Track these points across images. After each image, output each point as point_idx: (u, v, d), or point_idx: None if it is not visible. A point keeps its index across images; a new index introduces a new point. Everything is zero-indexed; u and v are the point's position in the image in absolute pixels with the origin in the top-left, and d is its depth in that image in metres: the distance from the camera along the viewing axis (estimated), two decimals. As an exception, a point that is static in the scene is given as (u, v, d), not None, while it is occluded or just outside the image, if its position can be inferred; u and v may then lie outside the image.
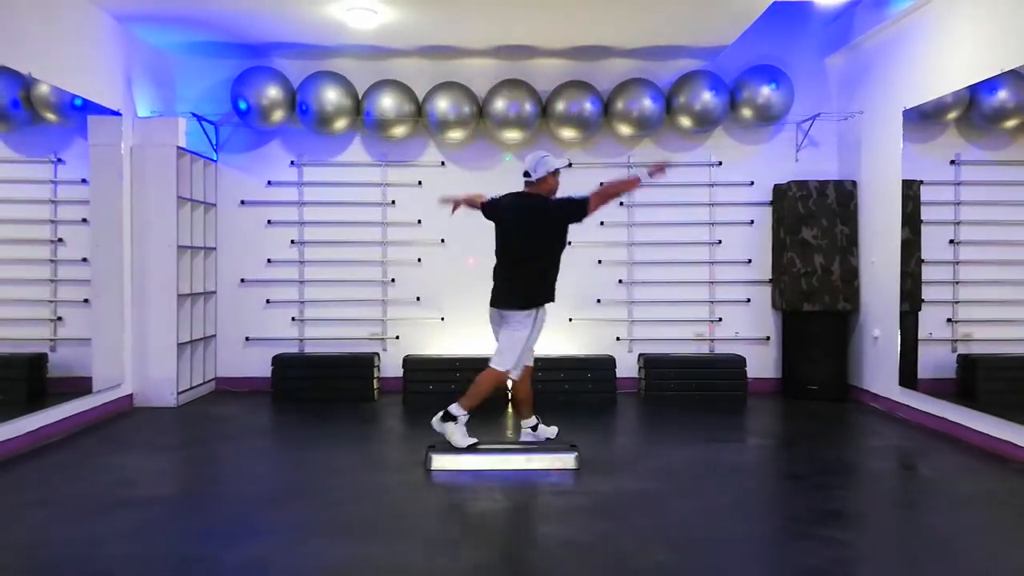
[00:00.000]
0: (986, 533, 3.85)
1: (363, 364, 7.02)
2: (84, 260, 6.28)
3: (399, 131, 7.12)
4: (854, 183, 7.00)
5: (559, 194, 5.12)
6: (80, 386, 5.98)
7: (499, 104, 6.98)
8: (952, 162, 6.02)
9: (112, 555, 3.45)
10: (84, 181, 6.26)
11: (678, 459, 5.20)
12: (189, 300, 6.90)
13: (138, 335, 6.52)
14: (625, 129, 7.12)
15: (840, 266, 6.92)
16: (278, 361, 7.01)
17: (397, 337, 7.41)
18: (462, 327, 7.35)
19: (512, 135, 7.08)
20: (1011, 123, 5.76)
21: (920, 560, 3.52)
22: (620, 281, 7.38)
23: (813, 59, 7.35)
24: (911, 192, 6.21)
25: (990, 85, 5.44)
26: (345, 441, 5.63)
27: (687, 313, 7.29)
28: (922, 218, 6.18)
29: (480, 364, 6.80)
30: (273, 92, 6.92)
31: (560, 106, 6.99)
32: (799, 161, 7.36)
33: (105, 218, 6.31)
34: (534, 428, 5.19)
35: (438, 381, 6.80)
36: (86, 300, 6.26)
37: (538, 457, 4.79)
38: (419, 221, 7.39)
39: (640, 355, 7.24)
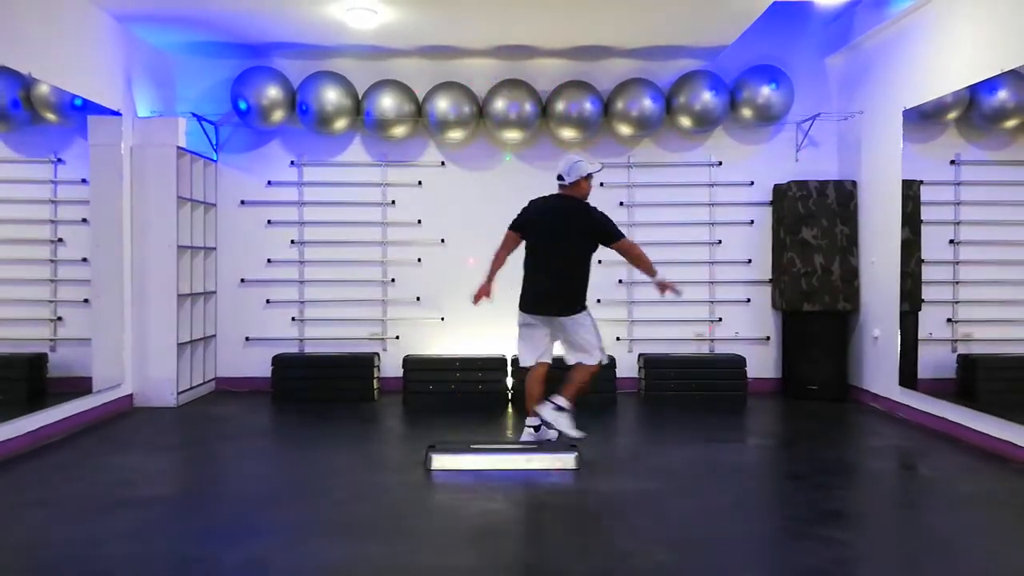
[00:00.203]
0: (986, 533, 3.84)
1: (363, 364, 7.02)
2: (84, 260, 6.28)
3: (399, 131, 7.12)
4: (854, 183, 7.00)
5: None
6: (80, 386, 5.97)
7: (499, 104, 6.98)
8: (952, 162, 6.02)
9: (112, 555, 3.45)
10: (84, 181, 6.26)
11: (678, 459, 5.20)
12: (189, 300, 6.90)
13: (138, 335, 6.52)
14: (625, 129, 7.12)
15: (840, 266, 6.92)
16: (278, 361, 7.01)
17: (397, 337, 7.41)
18: (462, 327, 7.35)
19: (512, 135, 7.08)
20: (1011, 123, 5.76)
21: (920, 560, 3.52)
22: (620, 281, 7.38)
23: (813, 59, 7.35)
24: (911, 192, 6.21)
25: (990, 85, 5.43)
26: (345, 441, 5.63)
27: (687, 313, 7.29)
28: (922, 218, 6.18)
29: (480, 364, 6.88)
30: (273, 92, 6.92)
31: (560, 106, 6.99)
32: (799, 161, 7.36)
33: (105, 218, 6.31)
34: (536, 428, 5.19)
35: (438, 381, 6.80)
36: (86, 300, 6.26)
37: (538, 457, 4.79)
38: (419, 221, 7.39)
39: (640, 355, 7.24)
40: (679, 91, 7.04)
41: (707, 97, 6.95)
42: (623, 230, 5.40)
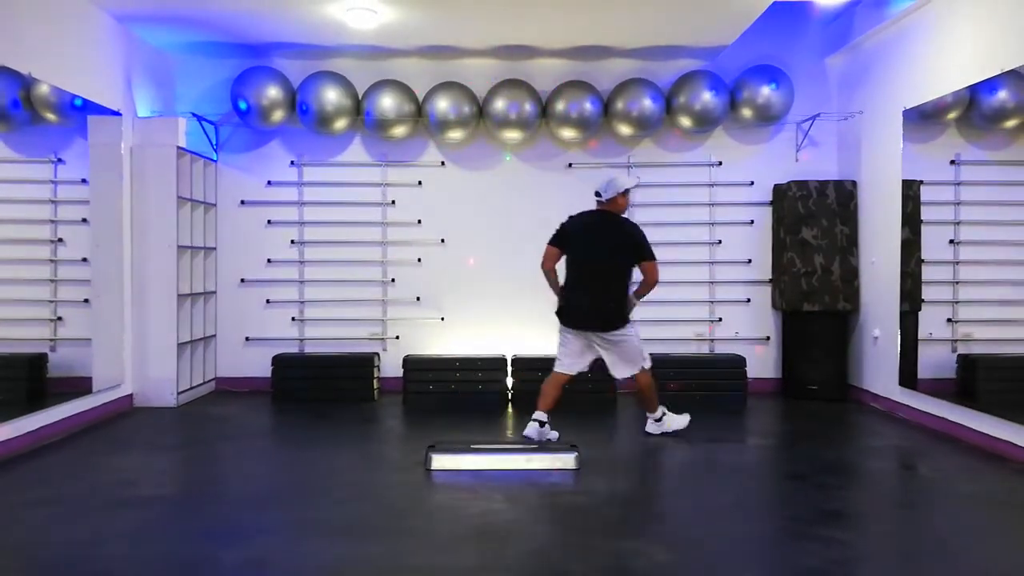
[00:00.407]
0: (986, 533, 3.84)
1: (363, 364, 7.02)
2: (84, 260, 6.28)
3: (399, 131, 7.12)
4: (854, 183, 7.00)
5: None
6: (80, 386, 5.97)
7: (499, 104, 6.98)
8: (952, 162, 6.02)
9: (112, 555, 3.45)
10: (84, 181, 6.26)
11: (678, 459, 5.20)
12: (189, 300, 6.89)
13: (138, 335, 6.52)
14: (625, 129, 7.12)
15: (840, 266, 6.92)
16: (278, 361, 7.01)
17: (397, 337, 7.41)
18: (462, 327, 7.35)
19: (512, 135, 7.08)
20: (1011, 123, 5.75)
21: (920, 560, 3.52)
22: (620, 281, 7.37)
23: (813, 59, 7.35)
24: (911, 192, 6.21)
25: (990, 85, 5.43)
26: (345, 441, 5.63)
27: (687, 313, 7.29)
28: (922, 218, 6.18)
29: (480, 364, 6.88)
30: (273, 92, 6.92)
31: (560, 106, 6.99)
32: (799, 161, 7.36)
33: (105, 218, 6.31)
34: (542, 424, 5.25)
35: (438, 381, 6.80)
36: (86, 300, 6.26)
37: (538, 457, 4.78)
38: (419, 221, 7.39)
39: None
40: (679, 91, 7.04)
41: (707, 97, 6.95)
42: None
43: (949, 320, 6.07)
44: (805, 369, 6.98)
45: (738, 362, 6.92)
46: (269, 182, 7.38)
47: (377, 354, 7.19)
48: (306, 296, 7.40)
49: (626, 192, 5.40)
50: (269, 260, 7.38)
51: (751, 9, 6.02)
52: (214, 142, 7.31)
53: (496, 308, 7.35)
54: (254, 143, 7.38)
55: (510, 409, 6.70)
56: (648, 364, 5.47)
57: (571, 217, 5.58)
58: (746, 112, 7.07)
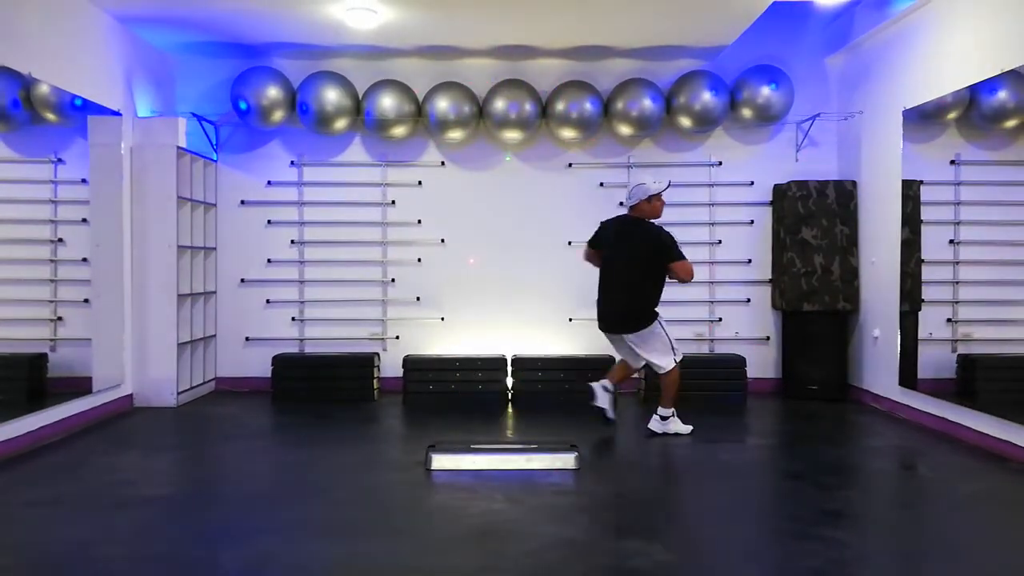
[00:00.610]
0: (986, 533, 3.84)
1: (363, 364, 7.01)
2: (84, 260, 6.28)
3: (399, 131, 7.12)
4: (854, 183, 7.00)
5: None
6: (80, 386, 5.97)
7: (499, 104, 6.98)
8: (952, 162, 6.02)
9: (112, 555, 3.44)
10: (84, 181, 6.26)
11: (678, 459, 5.20)
12: (189, 300, 6.89)
13: (138, 335, 6.52)
14: (625, 129, 7.12)
15: (840, 266, 6.92)
16: (278, 361, 7.01)
17: (397, 337, 7.41)
18: (462, 327, 7.36)
19: (512, 135, 7.08)
20: (1011, 123, 5.75)
21: (920, 560, 3.52)
22: (620, 281, 7.37)
23: (813, 59, 7.34)
24: (911, 192, 6.21)
25: (990, 85, 5.43)
26: (345, 441, 5.63)
27: (687, 313, 7.28)
28: (922, 218, 6.18)
29: (480, 364, 6.89)
30: (273, 92, 6.92)
31: (560, 106, 6.99)
32: (799, 161, 7.36)
33: (105, 218, 6.31)
34: (606, 389, 5.67)
35: (438, 381, 6.81)
36: (86, 300, 6.26)
37: (538, 457, 4.78)
38: (419, 221, 7.39)
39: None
40: (679, 91, 7.04)
41: (707, 97, 6.95)
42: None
43: (949, 320, 6.07)
44: (805, 369, 6.98)
45: (738, 362, 6.92)
46: (269, 182, 7.38)
47: (377, 354, 7.19)
48: (306, 296, 7.40)
49: (651, 197, 5.54)
50: (269, 260, 7.38)
51: (751, 9, 6.02)
52: (214, 142, 7.31)
53: (496, 308, 7.36)
54: (254, 143, 7.38)
55: (510, 409, 6.69)
56: (679, 357, 5.58)
57: (603, 222, 5.90)
58: (746, 112, 7.07)
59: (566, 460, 4.75)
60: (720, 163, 7.38)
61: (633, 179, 7.13)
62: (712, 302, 7.40)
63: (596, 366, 6.83)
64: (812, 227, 6.96)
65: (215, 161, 7.32)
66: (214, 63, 7.21)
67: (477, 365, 6.89)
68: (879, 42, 6.61)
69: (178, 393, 6.59)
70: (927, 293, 6.15)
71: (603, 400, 5.67)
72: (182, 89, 7.29)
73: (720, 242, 7.39)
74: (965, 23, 5.51)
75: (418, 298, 7.41)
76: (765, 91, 6.96)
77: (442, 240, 7.41)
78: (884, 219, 6.48)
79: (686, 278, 5.51)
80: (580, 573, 3.27)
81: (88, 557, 3.42)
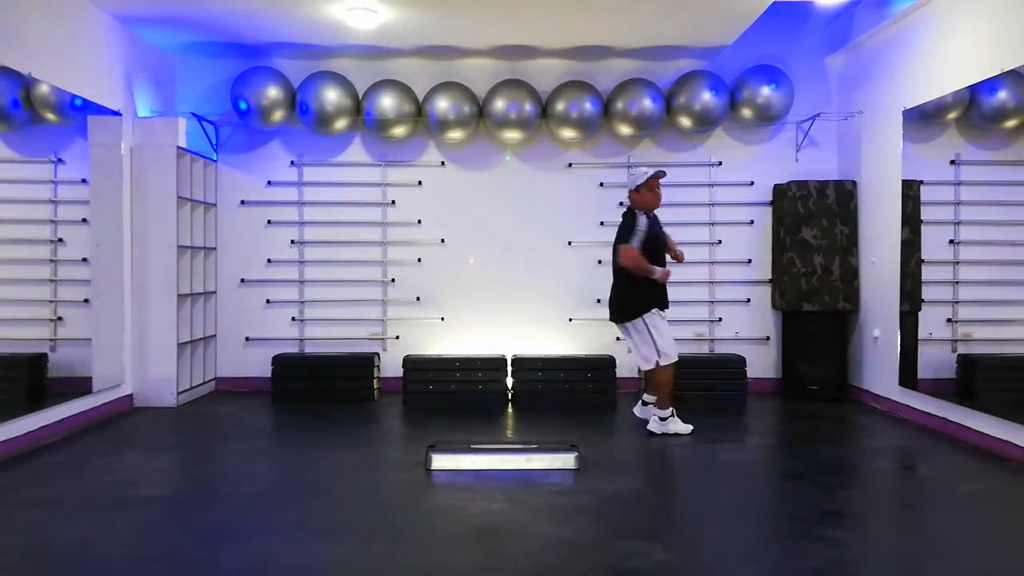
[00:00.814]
0: (986, 533, 3.84)
1: (363, 364, 7.01)
2: (84, 260, 6.27)
3: (399, 131, 7.12)
4: (854, 183, 7.00)
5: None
6: (80, 386, 5.97)
7: (499, 104, 6.98)
8: (952, 162, 6.01)
9: (112, 555, 3.44)
10: (84, 181, 6.26)
11: (678, 459, 5.20)
12: (189, 300, 6.89)
13: (138, 335, 6.52)
14: (625, 129, 7.12)
15: (840, 266, 6.92)
16: (278, 361, 7.01)
17: (397, 337, 7.41)
18: (462, 327, 7.36)
19: (512, 135, 7.08)
20: (1011, 123, 5.74)
21: (920, 561, 3.52)
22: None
23: (813, 59, 7.34)
24: (911, 192, 6.21)
25: (990, 85, 5.42)
26: (345, 441, 5.63)
27: (687, 313, 7.27)
28: (922, 218, 6.17)
29: (480, 364, 6.89)
30: (273, 92, 6.92)
31: (560, 106, 6.99)
32: (799, 161, 7.36)
33: (105, 218, 6.31)
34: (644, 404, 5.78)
35: (438, 381, 6.81)
36: (86, 300, 6.26)
37: (538, 457, 4.78)
38: (419, 221, 7.39)
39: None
40: (679, 91, 7.04)
41: (707, 97, 6.94)
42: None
43: (949, 320, 6.07)
44: (805, 369, 6.98)
45: (738, 362, 6.92)
46: (269, 182, 7.38)
47: (377, 354, 7.18)
48: (306, 296, 7.40)
49: (638, 187, 5.60)
50: (269, 260, 7.38)
51: (751, 9, 6.02)
52: (214, 142, 7.31)
53: (496, 308, 7.36)
54: (254, 143, 7.38)
55: (510, 409, 6.69)
56: (665, 361, 5.54)
57: None
58: (746, 112, 7.07)
59: (566, 460, 4.75)
60: (720, 163, 7.38)
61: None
62: (712, 302, 7.40)
63: (596, 366, 6.86)
64: (812, 227, 6.96)
65: (215, 161, 7.32)
66: (214, 63, 7.21)
67: (477, 365, 6.88)
68: (879, 42, 6.60)
69: (178, 393, 6.59)
70: (927, 293, 6.14)
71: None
72: (182, 89, 7.29)
73: (720, 242, 7.39)
74: (965, 23, 5.51)
75: (418, 298, 7.41)
76: (765, 91, 6.96)
77: (442, 240, 7.40)
78: (884, 219, 6.48)
79: (625, 263, 5.46)
80: (580, 573, 3.27)
81: (88, 557, 3.42)
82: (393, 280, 7.42)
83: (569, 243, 7.19)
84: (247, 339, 7.38)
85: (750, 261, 7.39)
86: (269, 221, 7.37)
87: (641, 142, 7.35)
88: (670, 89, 7.12)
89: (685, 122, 7.09)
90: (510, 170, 7.42)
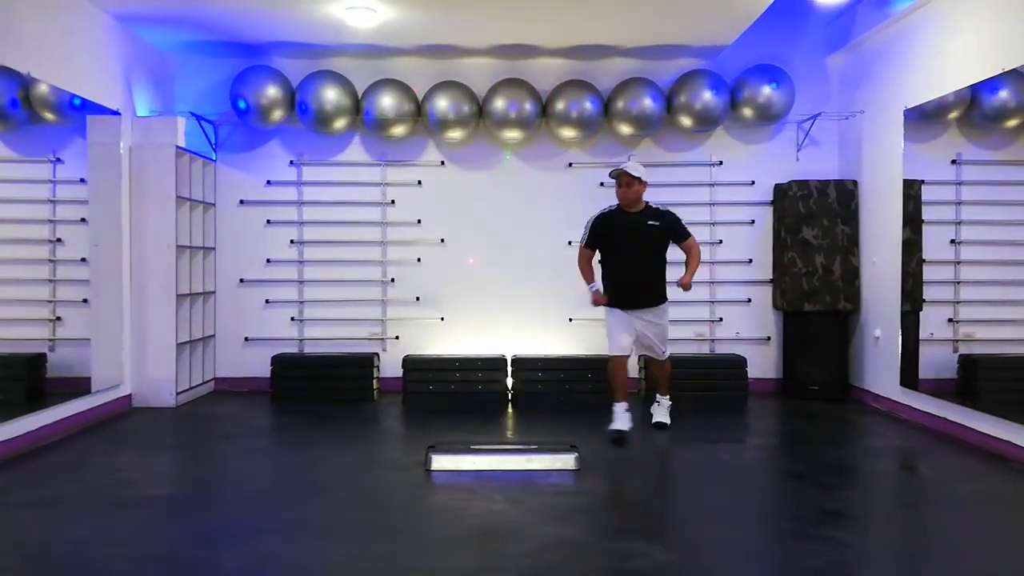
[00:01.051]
0: (987, 534, 3.83)
1: (363, 364, 7.00)
2: (83, 260, 6.26)
3: (399, 130, 7.11)
4: (855, 183, 6.98)
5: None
6: (79, 386, 5.95)
7: (499, 103, 6.96)
8: (953, 162, 6.00)
9: (111, 555, 3.44)
10: (83, 181, 6.25)
11: (678, 460, 5.19)
12: (188, 300, 6.88)
13: (137, 335, 6.50)
14: (625, 128, 7.11)
15: (841, 266, 6.91)
16: (277, 361, 6.99)
17: (397, 337, 7.40)
18: (462, 327, 7.34)
19: (512, 134, 7.07)
20: (1012, 123, 5.74)
21: (921, 561, 3.51)
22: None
23: (814, 58, 7.33)
24: (912, 192, 6.19)
25: (992, 84, 5.41)
26: (345, 441, 5.62)
27: (687, 313, 7.26)
28: (923, 218, 6.16)
29: (480, 364, 6.88)
30: (272, 91, 6.90)
31: (560, 105, 6.98)
32: (800, 160, 7.34)
33: (104, 218, 6.29)
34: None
35: (438, 381, 6.79)
36: (85, 300, 6.24)
37: (538, 458, 4.76)
38: (419, 221, 7.37)
39: (640, 355, 7.20)
40: (679, 90, 7.03)
41: (708, 96, 6.93)
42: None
43: (950, 320, 6.06)
44: (806, 369, 6.96)
45: (739, 362, 6.90)
46: (268, 182, 7.37)
47: (377, 354, 7.17)
48: (305, 296, 7.39)
49: (615, 182, 5.71)
50: (268, 260, 7.36)
51: (752, 8, 6.01)
52: (213, 141, 7.29)
53: (496, 308, 7.34)
54: (253, 142, 7.36)
55: (510, 409, 6.68)
56: (609, 351, 5.65)
57: None
58: (747, 111, 7.06)
59: (566, 461, 4.73)
60: (721, 163, 7.36)
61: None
62: (713, 302, 7.39)
63: (597, 366, 6.82)
64: (813, 227, 6.94)
65: (214, 161, 7.31)
66: (213, 62, 7.20)
67: (477, 365, 6.87)
68: (880, 41, 6.59)
69: (177, 393, 6.58)
70: (928, 293, 6.13)
71: (658, 414, 5.87)
72: (181, 88, 7.28)
73: (721, 242, 7.37)
74: (966, 22, 5.50)
75: (418, 298, 7.39)
76: (766, 90, 6.95)
77: (442, 240, 7.39)
78: (885, 219, 6.47)
79: (578, 258, 5.79)
80: (580, 574, 3.26)
81: (88, 557, 3.42)
82: (393, 280, 7.41)
83: (569, 243, 7.16)
84: (246, 339, 7.36)
85: (751, 261, 7.38)
86: (268, 221, 7.36)
87: (641, 142, 7.34)
88: (670, 88, 7.10)
89: (686, 121, 7.07)
90: (510, 170, 7.41)
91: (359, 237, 7.35)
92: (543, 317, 7.32)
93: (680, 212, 7.18)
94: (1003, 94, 5.57)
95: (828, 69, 7.35)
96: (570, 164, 7.36)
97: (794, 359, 7.07)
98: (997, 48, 5.13)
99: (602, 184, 7.28)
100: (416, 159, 7.40)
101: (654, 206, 5.74)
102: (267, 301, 7.38)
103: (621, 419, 5.50)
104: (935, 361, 6.09)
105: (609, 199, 7.16)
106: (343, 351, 7.23)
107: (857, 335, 7.01)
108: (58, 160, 6.24)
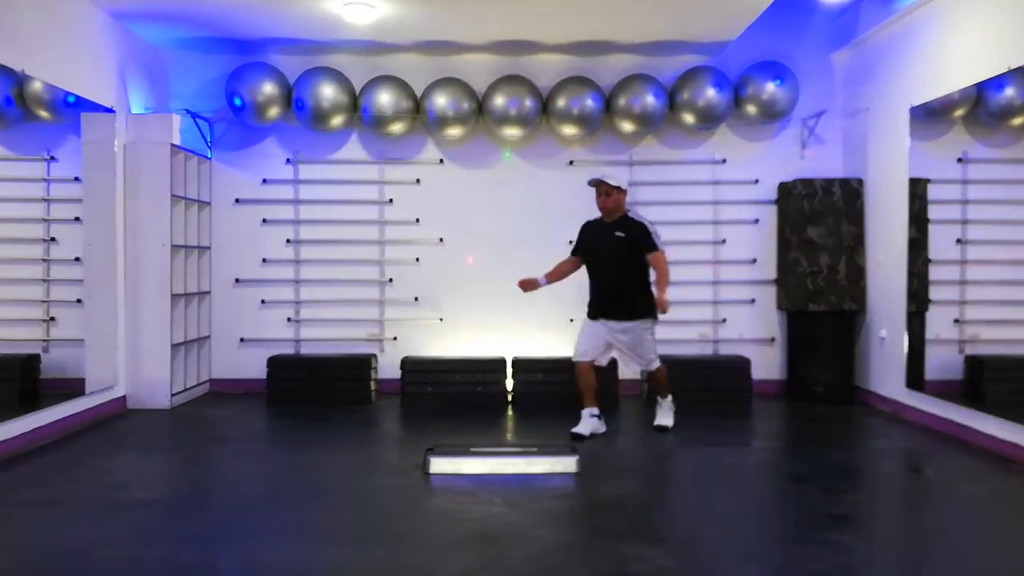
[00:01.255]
0: (993, 536, 3.79)
1: (360, 365, 6.93)
2: (77, 259, 6.20)
3: (397, 128, 7.04)
4: (860, 181, 6.91)
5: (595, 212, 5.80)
6: (73, 387, 5.89)
7: (499, 100, 6.89)
8: (959, 160, 5.96)
9: (106, 558, 3.41)
10: (77, 179, 6.20)
11: (681, 462, 5.15)
12: (183, 300, 6.81)
13: (131, 336, 6.44)
14: (627, 126, 7.04)
15: (846, 266, 6.83)
16: (273, 362, 6.91)
17: (395, 338, 7.33)
18: (461, 328, 7.27)
19: (512, 132, 7.00)
20: (1019, 120, 5.71)
21: (926, 563, 3.47)
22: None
23: (819, 55, 7.25)
24: (918, 191, 6.14)
25: (998, 82, 5.36)
26: (342, 444, 5.56)
27: (690, 314, 7.19)
28: (929, 217, 6.11)
29: (479, 366, 6.82)
30: (268, 88, 6.84)
31: (561, 102, 6.91)
32: (804, 159, 7.27)
33: (98, 216, 6.22)
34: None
35: (436, 383, 6.73)
36: (79, 300, 6.19)
37: (538, 460, 4.70)
38: (417, 220, 7.30)
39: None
40: (682, 87, 6.96)
41: (711, 93, 6.86)
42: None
43: (956, 321, 6.01)
44: (810, 370, 6.89)
45: (742, 363, 6.83)
46: (264, 180, 7.30)
47: (374, 355, 7.10)
48: (302, 296, 7.32)
49: (596, 193, 5.65)
50: (264, 260, 7.29)
51: (756, 4, 5.95)
52: (208, 139, 7.22)
53: (496, 309, 7.26)
54: (249, 140, 7.29)
55: (510, 412, 6.62)
56: (574, 356, 5.69)
57: None
58: (750, 109, 6.99)
59: (567, 464, 4.67)
60: (724, 161, 7.29)
61: (634, 176, 7.07)
62: (716, 303, 7.31)
63: (598, 368, 6.75)
64: (818, 226, 6.87)
65: (209, 158, 7.24)
66: (208, 59, 7.13)
67: (476, 367, 6.80)
68: (885, 38, 6.52)
69: (172, 395, 6.52)
70: (934, 293, 6.08)
71: (658, 416, 5.85)
72: (176, 85, 7.21)
73: (724, 241, 7.30)
74: (972, 20, 5.44)
75: (416, 298, 7.32)
76: (770, 87, 6.88)
77: (441, 239, 7.32)
78: (891, 218, 6.40)
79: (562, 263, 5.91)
80: (581, 580, 3.20)
81: (85, 560, 3.40)
82: (391, 280, 7.34)
83: (570, 242, 7.07)
84: (242, 340, 7.29)
85: (755, 261, 7.30)
86: (264, 220, 7.29)
87: (643, 139, 7.27)
88: (673, 85, 7.03)
89: (688, 119, 7.00)
90: (510, 168, 7.34)
91: (357, 236, 7.28)
92: (544, 318, 7.23)
93: (683, 211, 7.22)
94: (1009, 92, 5.54)
95: (833, 66, 7.29)
96: (571, 162, 7.29)
97: (799, 360, 7.00)
98: (1003, 45, 5.08)
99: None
100: (415, 157, 7.33)
101: (631, 216, 5.60)
102: (263, 301, 7.31)
103: (584, 424, 5.51)
104: (941, 362, 6.05)
105: (610, 198, 7.14)
106: (340, 352, 7.16)
107: (862, 336, 6.94)
108: (52, 158, 6.24)
